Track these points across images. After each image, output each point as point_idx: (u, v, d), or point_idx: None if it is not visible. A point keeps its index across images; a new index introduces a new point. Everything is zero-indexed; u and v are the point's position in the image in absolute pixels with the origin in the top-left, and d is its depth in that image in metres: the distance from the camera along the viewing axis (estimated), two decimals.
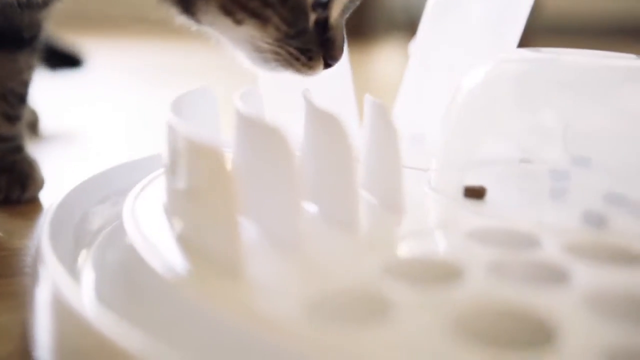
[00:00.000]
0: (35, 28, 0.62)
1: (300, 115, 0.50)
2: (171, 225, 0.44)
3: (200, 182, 0.40)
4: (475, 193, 0.47)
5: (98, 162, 0.74)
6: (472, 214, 0.45)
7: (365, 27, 2.32)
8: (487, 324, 0.32)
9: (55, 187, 0.63)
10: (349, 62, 0.65)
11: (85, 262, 0.44)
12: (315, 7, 0.48)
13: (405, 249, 0.41)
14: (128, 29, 1.97)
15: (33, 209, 0.60)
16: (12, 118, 0.62)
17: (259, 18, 0.47)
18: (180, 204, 0.43)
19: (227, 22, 0.48)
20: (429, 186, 0.50)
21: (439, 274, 0.37)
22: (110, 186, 0.55)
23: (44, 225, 0.44)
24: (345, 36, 0.51)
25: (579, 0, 2.84)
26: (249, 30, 0.48)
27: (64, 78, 1.04)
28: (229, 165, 0.47)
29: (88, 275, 0.44)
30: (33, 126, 0.84)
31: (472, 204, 0.46)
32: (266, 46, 0.49)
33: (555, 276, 0.36)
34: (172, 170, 0.45)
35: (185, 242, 0.42)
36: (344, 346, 0.30)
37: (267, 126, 0.40)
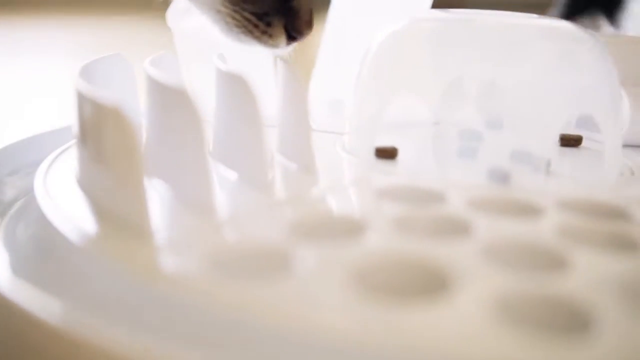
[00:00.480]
0: None
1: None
2: (82, 192, 0.44)
3: (106, 144, 0.40)
4: (386, 153, 0.48)
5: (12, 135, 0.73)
6: (382, 174, 0.46)
7: None
8: (387, 276, 0.33)
9: None
10: None
11: None
12: None
13: (314, 208, 0.41)
14: (55, 6, 1.92)
15: None
16: None
17: None
18: (90, 169, 0.43)
19: None
20: (342, 148, 0.51)
21: (345, 229, 0.37)
22: (22, 158, 0.54)
23: None
24: (312, 9, 0.48)
25: None
26: None
27: None
28: (141, 130, 0.47)
29: (1, 249, 0.43)
30: None
31: (383, 164, 0.47)
32: (223, 9, 0.47)
33: (457, 229, 0.37)
34: (81, 136, 0.44)
35: (96, 207, 0.42)
36: (243, 302, 0.30)
37: (173, 87, 0.40)
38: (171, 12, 0.59)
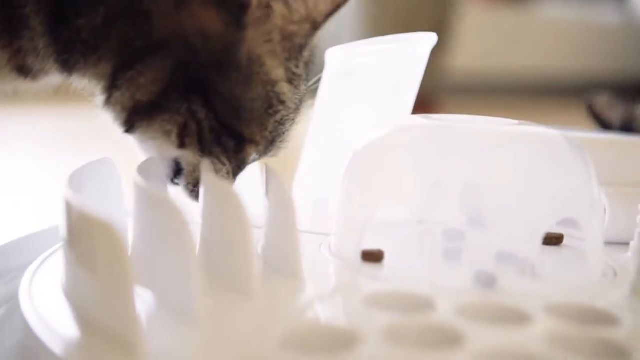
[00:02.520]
0: None
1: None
2: (68, 302, 0.43)
3: (94, 258, 0.39)
4: (372, 257, 0.47)
5: None
6: (370, 279, 0.46)
7: None
8: None
9: None
10: None
11: None
12: None
13: (303, 317, 0.41)
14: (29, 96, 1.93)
15: None
16: None
17: (209, 153, 0.48)
18: (76, 280, 0.42)
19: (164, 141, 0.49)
20: (329, 251, 0.50)
21: (335, 342, 0.37)
22: (5, 263, 0.53)
23: None
24: None
25: (482, 61, 2.97)
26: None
27: None
28: (128, 237, 0.47)
29: None
30: None
31: (370, 268, 0.47)
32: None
33: (447, 339, 0.37)
34: (68, 245, 0.44)
35: (81, 318, 0.41)
36: None
37: (161, 198, 0.40)
38: None
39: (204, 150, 0.48)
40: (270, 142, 0.50)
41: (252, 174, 0.65)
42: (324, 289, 0.45)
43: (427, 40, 0.60)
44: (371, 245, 0.49)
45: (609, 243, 0.50)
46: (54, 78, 0.49)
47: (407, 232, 0.51)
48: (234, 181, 0.51)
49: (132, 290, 0.37)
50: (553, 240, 0.53)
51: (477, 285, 0.44)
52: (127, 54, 0.46)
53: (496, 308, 0.41)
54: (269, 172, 0.48)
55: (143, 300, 0.41)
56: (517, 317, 0.40)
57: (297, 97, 0.50)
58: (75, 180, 0.46)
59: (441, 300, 0.41)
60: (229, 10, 0.46)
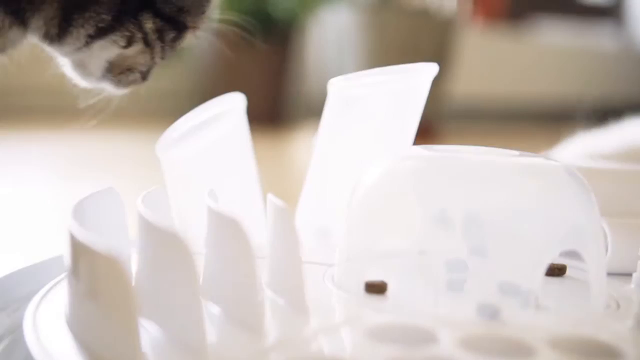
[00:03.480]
0: None
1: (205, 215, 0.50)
2: (72, 333, 0.43)
3: (98, 290, 0.39)
4: (376, 288, 0.47)
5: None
6: (373, 311, 0.45)
7: (282, 114, 2.36)
8: None
9: None
10: (254, 158, 0.65)
11: None
12: None
13: (307, 350, 0.41)
14: (37, 120, 1.93)
15: None
16: None
17: (147, 46, 0.55)
18: (80, 312, 0.42)
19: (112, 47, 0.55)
20: (332, 282, 0.50)
21: None
22: (9, 293, 0.53)
23: None
24: None
25: (484, 87, 2.98)
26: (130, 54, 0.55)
27: None
28: (132, 269, 0.46)
29: None
30: None
31: (373, 299, 0.47)
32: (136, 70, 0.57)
33: None
34: (72, 276, 0.44)
35: (85, 350, 0.41)
36: None
37: (165, 229, 0.40)
38: (160, 142, 0.60)
39: (148, 46, 0.55)
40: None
41: (254, 203, 0.65)
42: (328, 321, 0.45)
43: (429, 70, 0.60)
44: (374, 276, 0.48)
45: (611, 274, 0.50)
46: (15, 35, 0.53)
47: (410, 263, 0.51)
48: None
49: (137, 322, 0.37)
50: (556, 271, 0.53)
51: (480, 317, 0.44)
52: None
53: (500, 340, 0.41)
54: (271, 202, 0.48)
55: (147, 332, 0.41)
56: (521, 350, 0.40)
57: None
58: (79, 210, 0.46)
59: (444, 333, 0.41)
60: None
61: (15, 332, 0.48)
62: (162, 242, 0.41)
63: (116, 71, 0.56)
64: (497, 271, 0.49)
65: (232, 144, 0.64)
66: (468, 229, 0.51)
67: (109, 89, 0.59)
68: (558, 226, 0.47)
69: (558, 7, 3.45)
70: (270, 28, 2.26)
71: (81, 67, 0.57)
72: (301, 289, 0.44)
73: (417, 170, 0.51)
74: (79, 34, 0.53)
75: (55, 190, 1.21)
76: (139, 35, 0.54)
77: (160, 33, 0.54)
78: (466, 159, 0.52)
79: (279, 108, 2.35)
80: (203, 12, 0.56)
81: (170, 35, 0.55)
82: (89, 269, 0.41)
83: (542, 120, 2.94)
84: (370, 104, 0.62)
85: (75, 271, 0.43)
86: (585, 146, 0.95)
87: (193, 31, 0.56)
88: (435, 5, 2.39)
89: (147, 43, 0.54)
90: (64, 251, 0.46)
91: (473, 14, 2.96)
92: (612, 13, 3.57)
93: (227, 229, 0.43)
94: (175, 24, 0.54)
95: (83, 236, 0.40)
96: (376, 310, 0.45)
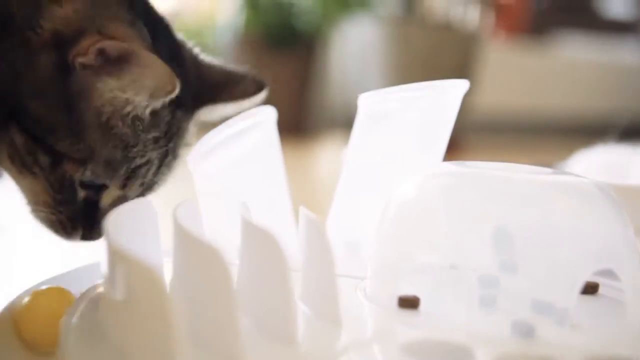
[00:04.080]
0: None
1: (237, 226, 0.50)
2: (109, 341, 0.43)
3: (135, 299, 0.39)
4: (409, 303, 0.47)
5: (33, 270, 0.72)
6: (407, 326, 0.45)
7: (305, 124, 2.36)
8: None
9: None
10: (291, 169, 0.65)
11: None
12: (84, 186, 0.54)
13: None
14: None
15: None
16: None
17: (32, 174, 0.52)
18: (117, 320, 0.42)
19: (13, 169, 0.53)
20: (364, 295, 0.50)
21: None
22: None
23: None
24: None
25: (506, 101, 2.97)
26: (29, 184, 0.53)
27: None
28: (167, 281, 0.47)
29: None
30: None
31: (406, 314, 0.46)
32: (41, 206, 0.54)
33: None
34: (108, 284, 0.44)
35: (122, 357, 0.41)
36: None
37: (201, 241, 0.40)
38: (192, 154, 0.60)
39: (27, 169, 0.52)
40: (111, 170, 0.53)
41: (284, 215, 0.65)
42: (362, 335, 0.44)
43: (460, 86, 0.60)
44: (406, 290, 0.48)
45: None
46: None
47: (442, 278, 0.51)
48: (68, 222, 0.54)
49: (174, 331, 0.37)
50: (589, 289, 0.52)
51: (514, 335, 0.43)
52: None
53: (535, 359, 0.40)
54: (305, 215, 0.48)
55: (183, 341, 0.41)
56: None
57: (142, 139, 0.54)
58: (115, 220, 0.47)
59: (480, 350, 0.40)
60: (60, 52, 0.51)
61: None
62: (200, 254, 0.41)
63: (32, 202, 0.54)
64: (530, 288, 0.48)
65: (262, 156, 0.64)
66: (498, 245, 0.51)
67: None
68: (592, 244, 0.47)
69: (580, 22, 3.44)
70: (294, 40, 2.27)
71: None
72: (335, 303, 0.44)
73: (449, 187, 0.51)
74: None
75: None
76: (13, 151, 0.51)
77: (33, 155, 0.51)
78: (498, 176, 0.51)
79: (302, 119, 2.36)
80: (85, 146, 0.51)
81: (45, 161, 0.52)
82: (126, 277, 0.41)
83: (563, 134, 2.92)
84: (400, 120, 0.62)
85: (111, 279, 0.43)
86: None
87: (74, 164, 0.52)
88: (458, 19, 2.39)
89: (25, 165, 0.52)
90: (101, 259, 0.47)
91: (496, 28, 2.96)
92: (635, 28, 3.55)
93: (262, 243, 0.43)
94: (46, 147, 0.51)
95: (120, 246, 0.40)
96: (409, 325, 0.45)
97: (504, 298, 0.49)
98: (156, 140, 0.55)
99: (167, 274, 0.49)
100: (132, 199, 0.56)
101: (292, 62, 2.29)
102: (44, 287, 0.52)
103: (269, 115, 0.64)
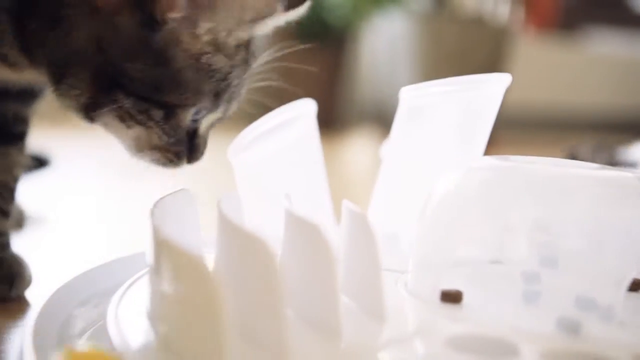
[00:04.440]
0: (23, 123, 0.62)
1: (278, 215, 0.50)
2: (154, 330, 0.43)
3: (187, 294, 0.40)
4: (451, 297, 0.47)
5: (78, 259, 0.73)
6: (450, 320, 0.45)
7: (335, 119, 2.36)
8: None
9: (37, 285, 0.60)
10: (324, 162, 0.65)
11: None
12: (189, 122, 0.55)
13: (385, 359, 0.40)
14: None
15: (19, 307, 0.58)
16: (6, 213, 0.61)
17: (144, 127, 0.53)
18: (165, 310, 0.43)
19: (121, 126, 0.53)
20: (405, 289, 0.50)
21: None
22: (91, 288, 0.54)
23: (26, 334, 0.42)
24: (207, 142, 0.57)
25: (535, 96, 2.93)
26: (137, 135, 0.54)
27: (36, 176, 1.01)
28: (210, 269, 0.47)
29: None
30: (19, 221, 0.83)
31: (449, 308, 0.46)
32: (151, 150, 0.55)
33: None
34: (156, 277, 0.44)
35: (167, 346, 0.41)
36: None
37: (252, 236, 0.40)
38: (232, 147, 0.60)
39: (139, 124, 0.53)
40: (214, 99, 0.54)
41: (323, 207, 0.65)
42: (404, 329, 0.44)
43: (502, 81, 0.59)
44: (448, 285, 0.48)
45: None
46: (30, 70, 0.54)
47: (484, 273, 0.50)
48: (183, 155, 0.56)
49: (223, 323, 0.37)
50: (632, 286, 0.51)
51: (560, 331, 0.43)
52: (54, 61, 0.52)
53: (582, 356, 0.40)
54: (348, 208, 0.48)
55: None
56: None
57: (231, 62, 0.54)
58: (158, 210, 0.47)
59: (526, 346, 0.40)
60: (142, 10, 0.50)
61: (100, 324, 0.49)
62: (246, 245, 0.41)
63: (140, 149, 0.55)
64: (574, 284, 0.47)
65: (303, 149, 0.64)
66: (540, 239, 0.50)
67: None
68: (634, 236, 0.46)
69: (610, 17, 3.38)
70: (326, 35, 2.26)
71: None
72: (380, 297, 0.43)
73: (490, 181, 0.51)
74: (76, 106, 0.52)
75: (119, 189, 1.22)
76: (124, 112, 0.52)
77: (145, 113, 0.52)
78: (541, 170, 0.50)
79: (332, 113, 2.35)
80: (191, 90, 0.52)
81: (158, 114, 0.52)
82: (174, 269, 0.41)
83: (593, 130, 2.88)
84: (441, 113, 0.62)
85: (157, 268, 0.43)
86: None
87: (185, 109, 0.53)
88: (488, 14, 2.36)
89: (139, 122, 0.52)
90: (146, 249, 0.47)
91: (526, 23, 2.92)
92: None
93: (308, 235, 0.43)
94: (156, 103, 0.52)
95: (168, 236, 0.41)
96: (452, 319, 0.45)
97: (547, 294, 0.48)
98: (245, 60, 0.56)
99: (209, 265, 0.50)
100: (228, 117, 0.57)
101: (323, 56, 2.28)
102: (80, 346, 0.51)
103: (309, 107, 0.64)
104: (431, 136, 0.61)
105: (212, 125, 0.57)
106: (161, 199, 0.50)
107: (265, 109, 0.62)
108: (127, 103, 0.51)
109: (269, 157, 0.62)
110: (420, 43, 2.34)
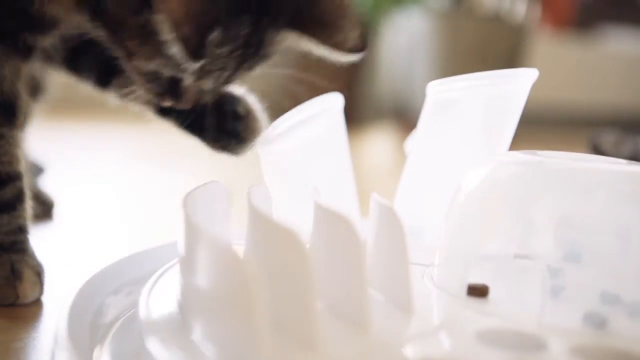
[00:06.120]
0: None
1: (305, 207, 0.49)
2: (187, 324, 0.42)
3: (220, 285, 0.39)
4: (478, 291, 0.46)
5: (109, 250, 0.73)
6: (477, 314, 0.44)
7: (354, 114, 2.35)
8: None
9: (68, 274, 0.60)
10: (350, 156, 0.64)
11: (101, 358, 0.42)
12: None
13: (412, 352, 0.39)
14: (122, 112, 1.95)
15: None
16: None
17: None
18: (198, 301, 0.42)
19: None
20: (432, 283, 0.49)
21: None
22: (123, 277, 0.54)
23: (60, 320, 0.42)
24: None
25: (552, 94, 2.90)
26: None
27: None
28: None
29: None
30: (48, 211, 0.82)
31: (475, 302, 0.45)
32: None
33: None
34: (186, 264, 0.44)
35: (197, 335, 0.41)
36: None
37: (283, 228, 0.39)
38: (261, 139, 0.60)
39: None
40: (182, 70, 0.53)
41: (349, 200, 0.64)
42: (431, 323, 0.43)
43: (528, 75, 0.58)
44: (475, 279, 0.47)
45: None
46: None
47: (511, 267, 0.49)
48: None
49: (256, 312, 0.36)
50: None
51: (586, 326, 0.42)
52: None
53: (610, 351, 0.39)
54: (377, 202, 0.47)
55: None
56: None
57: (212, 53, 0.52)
58: (190, 202, 0.46)
59: (554, 340, 0.39)
60: None
61: (131, 312, 0.48)
62: (277, 237, 0.40)
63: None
64: (599, 280, 0.46)
65: (329, 142, 0.63)
66: (565, 234, 0.49)
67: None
68: None
69: (627, 15, 3.33)
70: None
71: None
72: (408, 290, 0.43)
73: (519, 175, 0.49)
74: None
75: (146, 178, 1.22)
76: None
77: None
78: (568, 165, 0.49)
79: (351, 109, 2.34)
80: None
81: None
82: (206, 258, 0.40)
83: (610, 127, 2.85)
84: (467, 108, 0.60)
85: (189, 259, 0.43)
86: None
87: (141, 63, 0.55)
88: (506, 11, 2.34)
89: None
90: (178, 240, 0.46)
91: (542, 21, 2.88)
92: None
93: (337, 227, 0.42)
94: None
95: (200, 227, 0.40)
96: (479, 313, 0.44)
97: (572, 289, 0.47)
98: (231, 52, 0.53)
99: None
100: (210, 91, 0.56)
101: None
102: None
103: (336, 102, 0.63)
104: (457, 130, 0.60)
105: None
106: (192, 190, 0.49)
107: (293, 102, 0.61)
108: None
109: (296, 150, 0.61)
110: (438, 40, 2.32)
